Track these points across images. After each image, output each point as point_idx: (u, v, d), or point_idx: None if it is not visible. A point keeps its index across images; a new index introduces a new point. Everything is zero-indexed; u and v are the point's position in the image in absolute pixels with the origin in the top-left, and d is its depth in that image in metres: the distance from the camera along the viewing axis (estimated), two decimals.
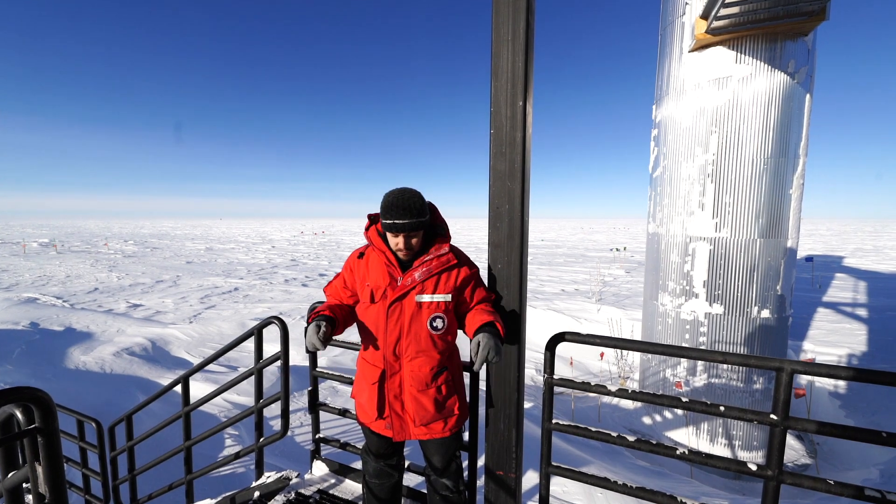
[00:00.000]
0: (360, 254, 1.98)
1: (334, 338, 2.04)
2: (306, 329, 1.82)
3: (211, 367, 7.90)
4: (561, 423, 1.98)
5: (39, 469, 1.35)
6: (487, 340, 1.70)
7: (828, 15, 5.13)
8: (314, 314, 1.92)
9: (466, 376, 2.17)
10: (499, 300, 2.02)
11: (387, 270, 1.87)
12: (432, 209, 1.94)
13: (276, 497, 2.65)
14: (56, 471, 1.36)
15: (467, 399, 2.09)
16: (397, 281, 1.85)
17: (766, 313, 5.88)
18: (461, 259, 1.94)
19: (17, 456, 1.53)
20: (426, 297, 1.83)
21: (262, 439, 2.83)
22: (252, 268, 24.41)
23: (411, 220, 1.76)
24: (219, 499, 2.85)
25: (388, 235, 1.84)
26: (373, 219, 2.00)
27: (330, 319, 1.87)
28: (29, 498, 2.38)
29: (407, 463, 2.42)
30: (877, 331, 9.61)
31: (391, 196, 1.79)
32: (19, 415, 1.38)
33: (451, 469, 2.05)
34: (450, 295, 1.86)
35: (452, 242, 1.97)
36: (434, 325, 1.85)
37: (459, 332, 2.05)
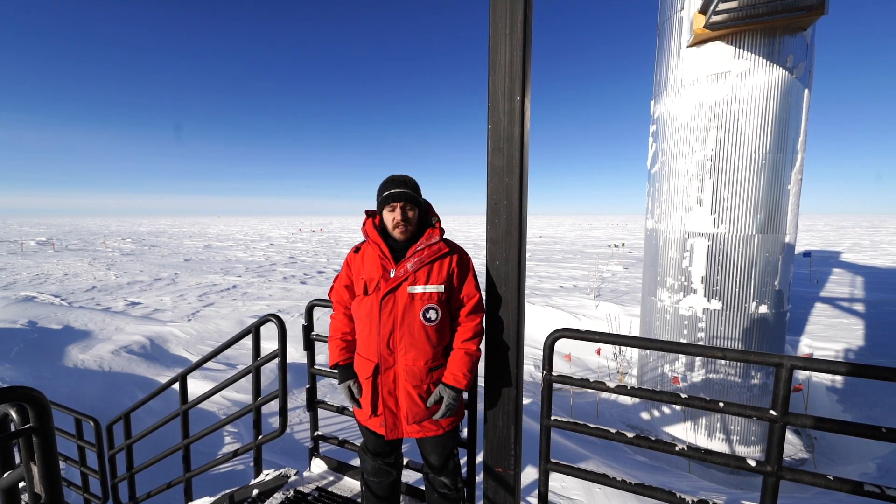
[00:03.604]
0: (357, 248, 2.00)
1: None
2: (339, 377, 2.01)
3: (209, 364, 7.90)
4: (560, 419, 1.98)
5: (35, 469, 1.34)
6: (448, 400, 1.85)
7: (827, 9, 5.11)
8: (331, 360, 2.05)
9: None
10: (497, 296, 2.02)
11: (380, 263, 1.87)
12: (426, 202, 2.00)
13: (275, 495, 2.64)
14: (51, 470, 1.34)
15: (464, 397, 2.09)
16: (390, 273, 1.85)
17: (763, 309, 5.89)
18: (452, 247, 1.94)
19: (13, 456, 1.51)
20: (418, 288, 1.83)
21: (260, 437, 2.82)
22: (250, 265, 24.37)
23: (407, 189, 1.85)
24: (217, 496, 2.85)
25: (386, 213, 1.88)
26: (370, 214, 2.02)
27: (351, 369, 2.00)
28: (25, 497, 2.37)
29: (406, 460, 2.41)
30: (874, 326, 9.64)
31: (387, 177, 1.93)
32: (14, 414, 1.37)
33: (449, 467, 2.04)
34: (443, 285, 1.86)
35: (451, 239, 1.99)
36: (427, 316, 1.84)
37: None
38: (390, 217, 1.85)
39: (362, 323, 1.90)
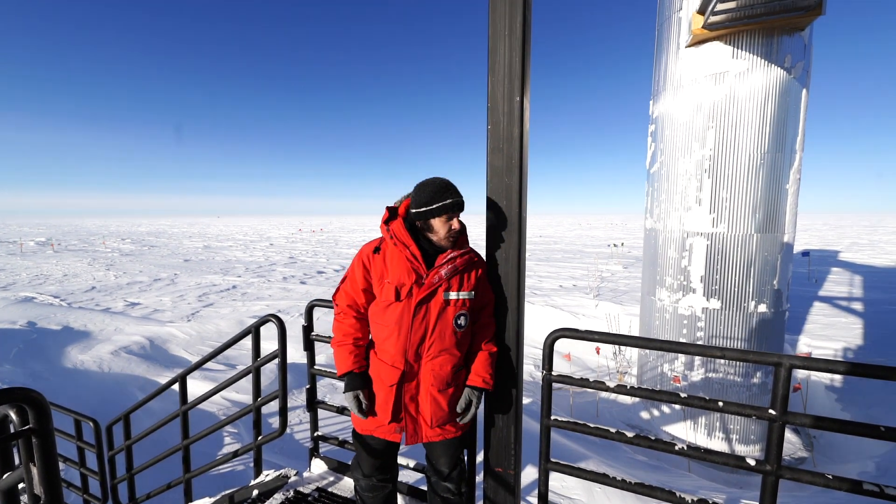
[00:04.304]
0: (376, 248, 1.88)
1: (332, 337, 2.04)
2: (346, 386, 1.88)
3: (209, 365, 7.89)
4: (560, 419, 1.98)
5: (34, 470, 1.34)
6: (476, 402, 1.90)
7: (824, 9, 5.11)
8: (341, 368, 1.90)
9: None
10: (497, 296, 2.02)
11: (411, 266, 1.80)
12: None
13: (275, 495, 2.64)
14: (51, 471, 1.34)
15: None
16: (423, 278, 1.80)
17: (762, 308, 5.89)
18: (480, 257, 1.98)
19: (12, 457, 1.51)
20: (453, 295, 1.82)
21: (260, 437, 2.82)
22: (250, 265, 24.35)
23: (462, 198, 1.83)
24: (217, 497, 2.84)
25: (441, 221, 1.79)
26: (393, 212, 1.90)
27: (363, 378, 1.90)
28: (24, 498, 2.37)
29: (408, 462, 2.42)
30: (872, 325, 9.66)
31: (437, 181, 1.81)
32: (13, 415, 1.37)
33: (456, 472, 2.04)
34: (473, 292, 1.87)
35: None
36: (459, 322, 1.84)
37: None
38: (446, 226, 1.80)
39: (389, 329, 1.82)
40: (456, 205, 1.79)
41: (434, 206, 1.77)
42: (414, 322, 1.78)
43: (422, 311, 1.79)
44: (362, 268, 1.88)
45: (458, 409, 1.88)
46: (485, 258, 2.05)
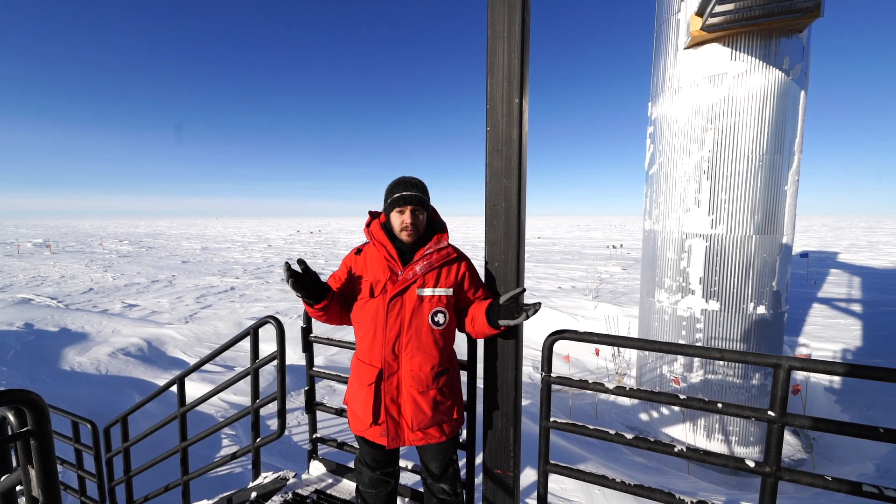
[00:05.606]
0: (358, 250, 1.95)
1: (331, 338, 2.03)
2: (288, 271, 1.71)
3: (207, 366, 7.87)
4: (559, 421, 1.98)
5: (32, 472, 1.33)
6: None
7: (822, 11, 5.14)
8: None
9: (464, 380, 2.16)
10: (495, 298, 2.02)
11: (387, 264, 1.84)
12: (432, 207, 1.97)
13: (274, 497, 2.63)
14: (49, 473, 1.34)
15: (464, 401, 2.07)
16: (398, 275, 1.82)
17: (761, 309, 5.90)
18: (460, 253, 1.94)
19: (10, 459, 1.51)
20: (427, 291, 1.81)
21: (258, 439, 2.82)
22: (248, 267, 24.32)
23: (417, 192, 1.82)
24: (216, 499, 2.84)
25: (394, 215, 1.84)
26: (374, 215, 2.00)
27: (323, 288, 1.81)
28: (22, 501, 2.36)
29: (409, 464, 2.41)
30: (871, 326, 9.68)
31: (396, 178, 1.88)
32: (11, 417, 1.36)
33: (449, 473, 2.03)
34: (451, 289, 1.85)
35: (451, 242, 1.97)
36: (435, 319, 1.82)
37: (459, 334, 2.03)
38: (399, 219, 1.82)
39: (366, 326, 1.85)
40: (402, 198, 1.80)
41: (387, 203, 1.86)
42: (388, 318, 1.80)
43: (396, 307, 1.80)
44: (345, 265, 1.97)
45: (505, 323, 1.78)
46: (484, 260, 2.05)
